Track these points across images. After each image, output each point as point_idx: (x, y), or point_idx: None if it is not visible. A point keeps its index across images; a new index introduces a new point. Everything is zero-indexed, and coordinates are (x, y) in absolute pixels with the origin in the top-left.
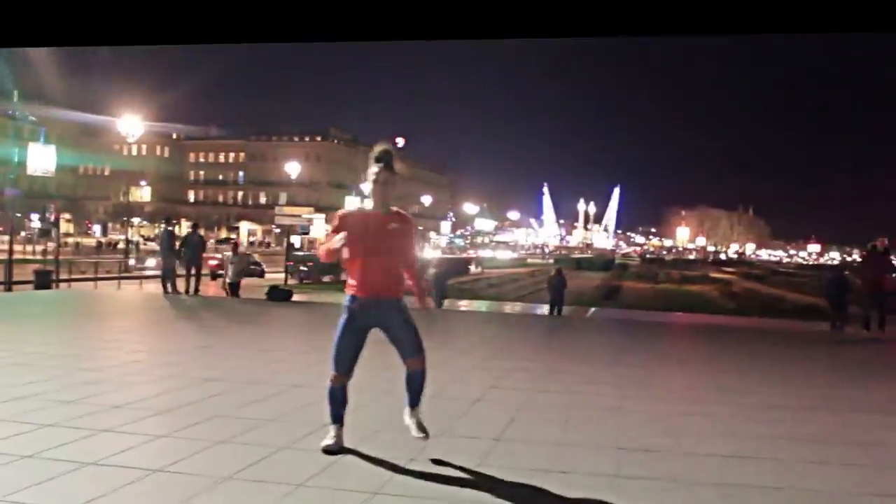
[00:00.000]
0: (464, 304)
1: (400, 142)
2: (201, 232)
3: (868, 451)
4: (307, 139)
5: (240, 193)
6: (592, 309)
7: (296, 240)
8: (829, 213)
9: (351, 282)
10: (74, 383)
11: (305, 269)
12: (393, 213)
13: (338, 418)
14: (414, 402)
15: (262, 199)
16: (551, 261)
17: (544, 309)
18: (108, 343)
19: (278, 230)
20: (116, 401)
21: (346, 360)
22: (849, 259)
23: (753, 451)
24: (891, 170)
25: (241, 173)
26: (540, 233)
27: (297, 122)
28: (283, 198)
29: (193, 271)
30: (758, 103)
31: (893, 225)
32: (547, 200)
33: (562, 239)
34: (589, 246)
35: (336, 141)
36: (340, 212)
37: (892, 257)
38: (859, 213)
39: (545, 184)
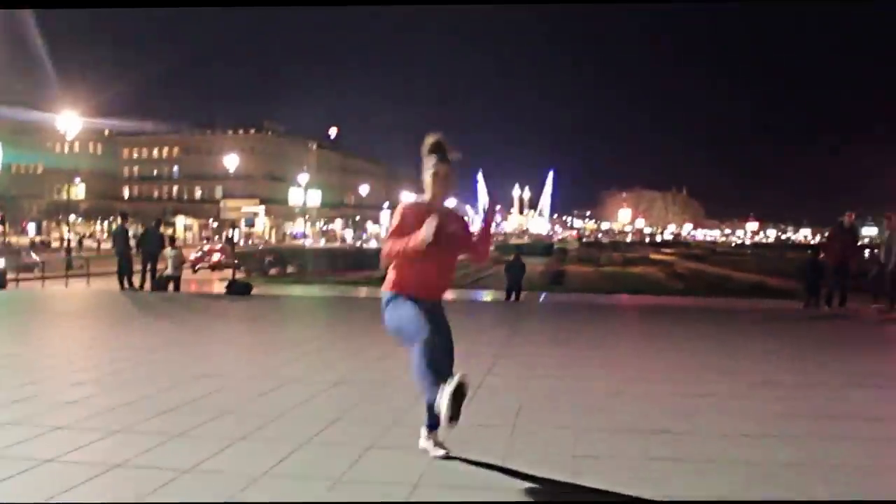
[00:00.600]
0: None
1: (333, 131)
2: (162, 228)
3: (872, 425)
4: (241, 132)
5: (175, 188)
6: (543, 294)
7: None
8: (762, 192)
9: (406, 281)
10: (71, 384)
11: (271, 260)
12: (450, 208)
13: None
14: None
15: (198, 194)
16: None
17: (500, 294)
18: (89, 342)
19: (215, 224)
20: (120, 400)
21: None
22: (794, 237)
23: (768, 430)
24: (824, 148)
25: (175, 168)
26: (475, 219)
27: (231, 116)
28: (218, 191)
29: (150, 267)
30: (688, 83)
31: (830, 203)
32: (482, 186)
33: (497, 225)
34: (525, 231)
35: (270, 133)
36: (404, 205)
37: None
38: (795, 192)
39: (480, 170)
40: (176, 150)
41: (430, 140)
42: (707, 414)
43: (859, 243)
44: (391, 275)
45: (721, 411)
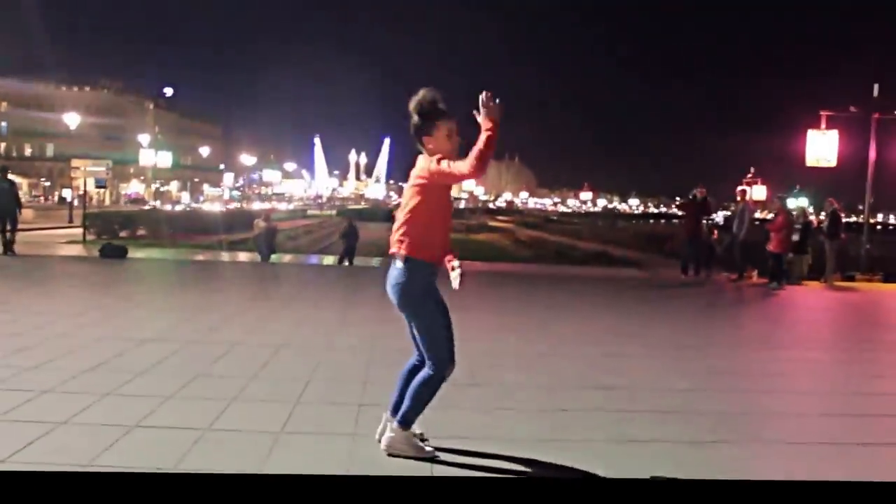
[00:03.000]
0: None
1: (168, 91)
2: (12, 177)
3: (787, 379)
4: (75, 88)
5: (2, 145)
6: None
7: (67, 194)
8: (594, 162)
9: (427, 246)
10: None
11: (120, 223)
12: None
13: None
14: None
15: (28, 151)
16: (333, 212)
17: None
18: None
19: (48, 183)
20: (85, 366)
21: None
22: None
23: (704, 384)
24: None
25: (3, 123)
26: (313, 184)
27: (64, 71)
28: (49, 149)
29: (9, 226)
30: (518, 47)
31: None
32: (319, 152)
33: (334, 190)
34: (362, 196)
35: (106, 90)
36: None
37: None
38: (625, 163)
39: (317, 136)
40: (4, 104)
41: (427, 97)
42: (640, 372)
43: (711, 215)
44: (413, 235)
45: (651, 370)
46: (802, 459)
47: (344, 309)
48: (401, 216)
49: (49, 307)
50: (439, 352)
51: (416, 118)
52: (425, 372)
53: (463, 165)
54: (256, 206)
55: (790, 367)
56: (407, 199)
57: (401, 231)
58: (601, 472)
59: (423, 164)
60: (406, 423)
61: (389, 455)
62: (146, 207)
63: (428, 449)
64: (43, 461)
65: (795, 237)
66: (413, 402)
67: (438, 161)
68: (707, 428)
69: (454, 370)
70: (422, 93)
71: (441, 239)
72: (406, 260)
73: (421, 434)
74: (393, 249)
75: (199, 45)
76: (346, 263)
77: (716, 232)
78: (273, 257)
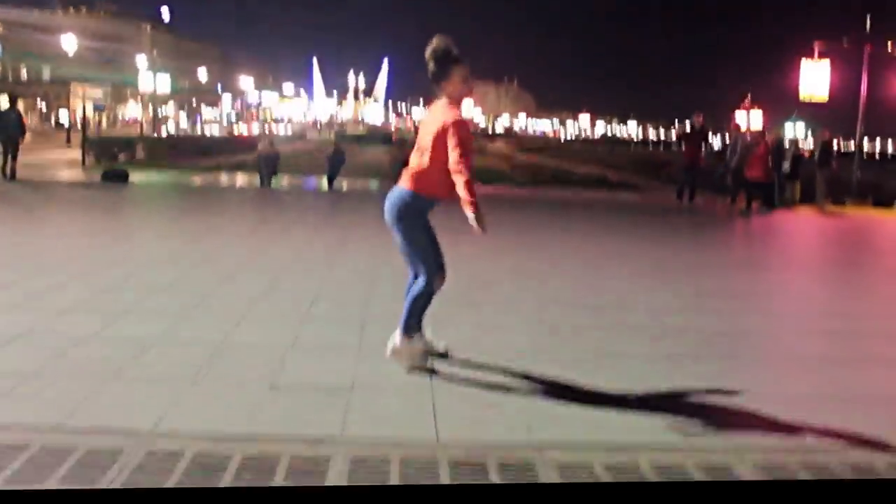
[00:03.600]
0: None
1: (165, 12)
2: (21, 107)
3: (768, 300)
4: (71, 10)
5: None
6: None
7: (64, 117)
8: (592, 85)
9: (435, 186)
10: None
11: (119, 147)
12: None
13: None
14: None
15: (24, 75)
16: (331, 136)
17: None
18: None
19: (44, 107)
20: (101, 286)
21: None
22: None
23: (690, 305)
24: (650, 45)
25: None
26: (311, 106)
27: None
28: (46, 72)
29: (10, 151)
30: None
31: (661, 98)
32: (317, 73)
33: (332, 115)
34: (361, 121)
35: (103, 13)
36: (460, 123)
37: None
38: (624, 86)
39: (314, 57)
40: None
41: (440, 45)
42: (639, 291)
43: (708, 142)
44: (427, 176)
45: (648, 289)
46: (769, 374)
47: (345, 230)
48: (415, 157)
49: (58, 230)
50: (428, 265)
51: (432, 65)
52: (418, 284)
53: (456, 169)
54: (255, 129)
55: (772, 289)
56: (423, 144)
57: (415, 170)
58: (585, 383)
59: (441, 119)
60: (407, 330)
61: (392, 356)
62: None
63: (420, 362)
64: (67, 377)
65: (787, 165)
66: (409, 312)
67: (457, 145)
68: (689, 346)
69: (446, 283)
70: (435, 41)
71: (450, 182)
72: (413, 193)
73: (446, 349)
74: (403, 184)
75: None
76: (327, 187)
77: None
78: (273, 181)
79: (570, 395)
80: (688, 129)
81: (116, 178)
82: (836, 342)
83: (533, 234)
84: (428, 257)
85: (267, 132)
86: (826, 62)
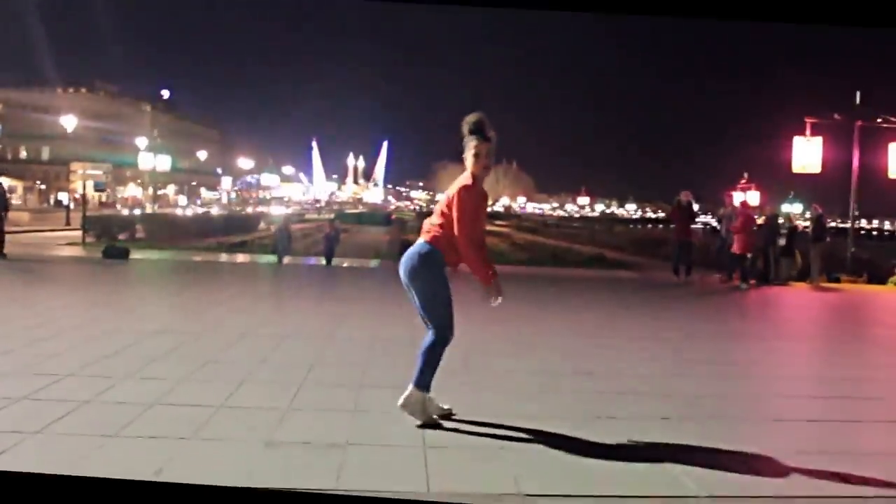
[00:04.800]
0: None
1: (165, 94)
2: (4, 184)
3: (757, 366)
4: (71, 91)
5: None
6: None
7: (63, 197)
8: (590, 170)
9: (452, 247)
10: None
11: (119, 226)
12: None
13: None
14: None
15: (23, 154)
16: (331, 216)
17: (348, 262)
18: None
19: (43, 186)
20: (104, 353)
21: None
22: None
23: (682, 371)
24: (648, 129)
25: None
26: (311, 189)
27: (60, 73)
28: (45, 152)
29: None
30: (519, 62)
31: (658, 180)
32: (316, 156)
33: (332, 195)
34: (360, 201)
35: (102, 93)
36: (465, 192)
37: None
38: (622, 170)
39: (314, 139)
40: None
41: (471, 119)
42: (626, 360)
43: (697, 219)
44: (442, 234)
45: (635, 358)
46: (753, 434)
47: (348, 304)
48: (436, 217)
49: (61, 303)
50: (441, 319)
51: (462, 134)
52: (430, 338)
53: (461, 235)
54: (256, 209)
55: (761, 357)
56: (439, 208)
57: (433, 226)
58: (574, 440)
59: (455, 186)
60: (419, 384)
61: (404, 409)
62: (147, 211)
63: (434, 417)
64: (71, 433)
65: (782, 241)
66: (423, 366)
67: (460, 212)
68: (676, 407)
69: (446, 350)
70: (470, 115)
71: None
72: (430, 246)
73: (449, 410)
74: (422, 238)
75: (196, 48)
76: (325, 263)
77: (692, 233)
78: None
79: (559, 451)
80: (677, 206)
81: (117, 255)
82: (821, 405)
83: (528, 307)
84: (441, 312)
85: (285, 213)
86: (819, 140)
